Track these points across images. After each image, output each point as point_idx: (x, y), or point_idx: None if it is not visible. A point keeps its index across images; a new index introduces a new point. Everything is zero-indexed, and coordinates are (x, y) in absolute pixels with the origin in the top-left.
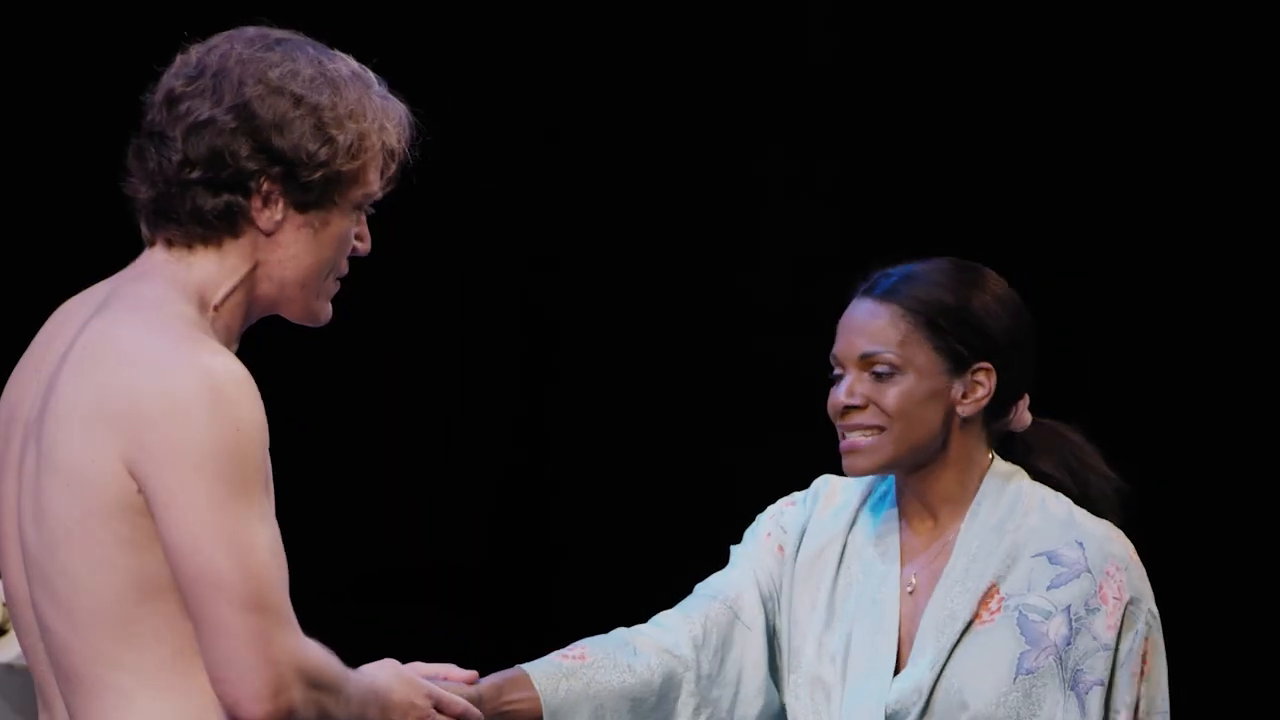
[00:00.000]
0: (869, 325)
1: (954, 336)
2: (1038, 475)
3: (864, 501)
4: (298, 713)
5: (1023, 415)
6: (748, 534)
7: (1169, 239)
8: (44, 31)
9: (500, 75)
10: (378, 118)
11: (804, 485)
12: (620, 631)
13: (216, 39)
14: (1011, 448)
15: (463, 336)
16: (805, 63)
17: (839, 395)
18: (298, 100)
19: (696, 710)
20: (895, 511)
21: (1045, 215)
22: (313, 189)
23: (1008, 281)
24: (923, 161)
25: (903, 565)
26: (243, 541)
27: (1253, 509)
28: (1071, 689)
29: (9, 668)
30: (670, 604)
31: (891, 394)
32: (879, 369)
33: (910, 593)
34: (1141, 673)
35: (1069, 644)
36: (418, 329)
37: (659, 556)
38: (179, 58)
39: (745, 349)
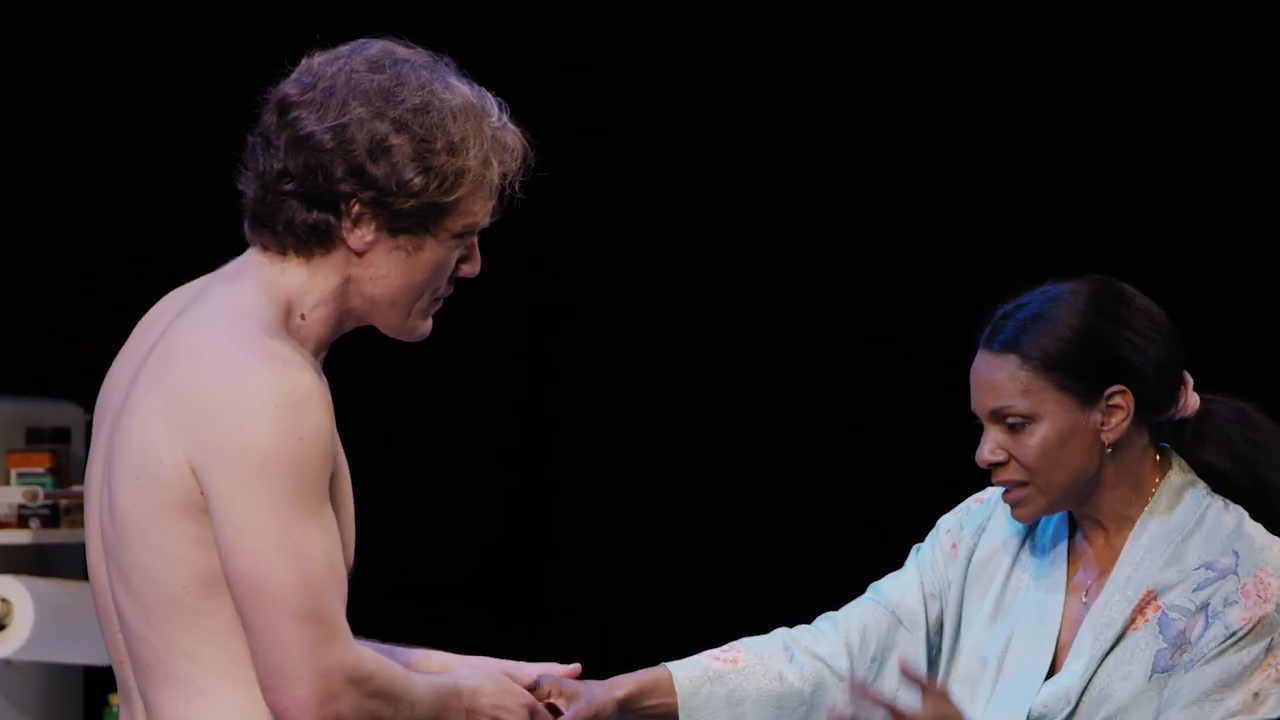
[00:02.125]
0: (992, 381)
1: (1077, 372)
2: (1205, 465)
3: None
4: None
5: (1189, 402)
6: (932, 532)
7: (1167, 233)
8: (159, 26)
9: (497, 68)
10: (483, 151)
11: (805, 476)
12: (781, 634)
13: (341, 49)
14: (1182, 437)
15: (461, 333)
16: (804, 57)
17: (983, 453)
18: (399, 127)
19: None
20: (1068, 521)
21: (1045, 206)
22: (405, 217)
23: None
24: (922, 154)
25: (1071, 573)
26: (300, 550)
27: None
28: (1186, 671)
29: (7, 663)
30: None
31: (1028, 446)
32: (1011, 421)
33: (1083, 600)
34: (1275, 675)
35: (1201, 638)
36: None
37: (660, 554)
38: (303, 62)
39: (745, 347)
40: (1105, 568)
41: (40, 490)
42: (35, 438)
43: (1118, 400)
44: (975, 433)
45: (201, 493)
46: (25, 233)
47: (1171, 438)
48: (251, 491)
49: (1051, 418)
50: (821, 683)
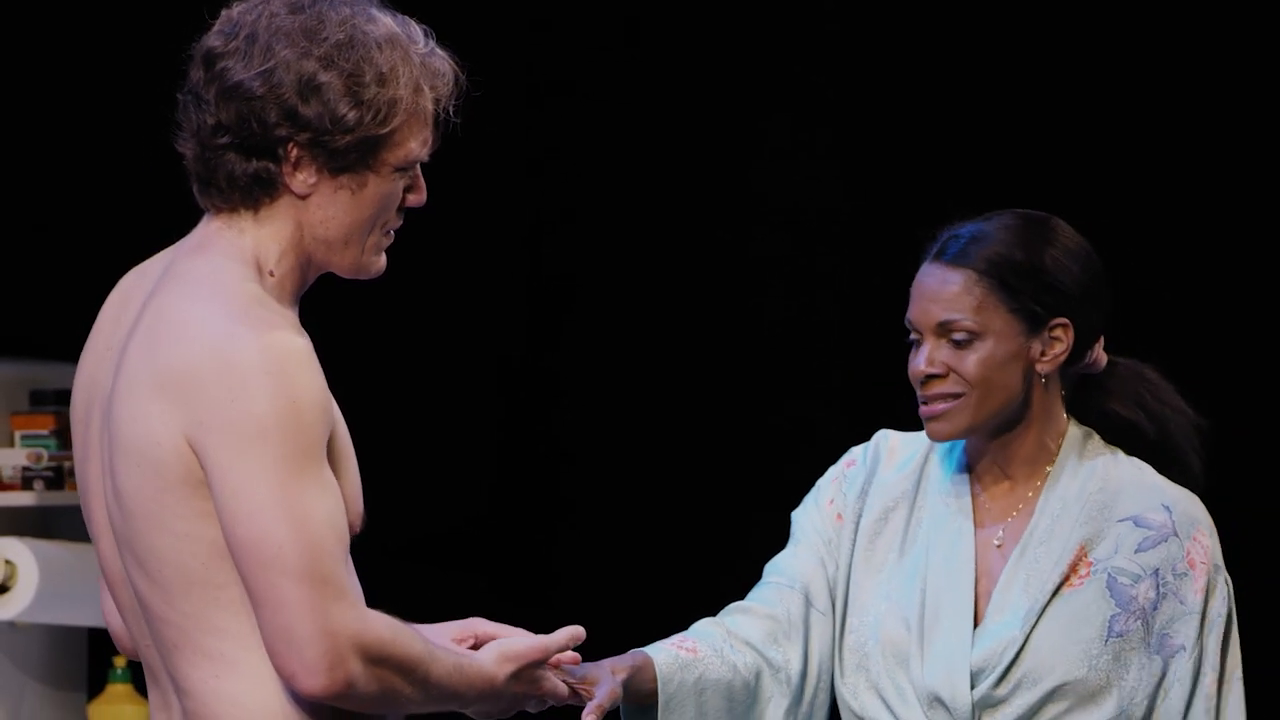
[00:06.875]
0: (943, 292)
1: (1029, 296)
2: (1114, 419)
3: (927, 458)
4: (358, 687)
5: (1098, 357)
6: (810, 499)
7: (1178, 197)
8: None
9: (501, 34)
10: (413, 79)
11: (809, 445)
12: (710, 627)
13: None
14: (1086, 391)
15: (464, 301)
16: (809, 25)
17: (919, 364)
18: (327, 64)
19: (789, 711)
20: (966, 468)
21: (1043, 165)
22: (343, 154)
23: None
24: (927, 120)
25: (977, 524)
26: (298, 511)
27: None
28: (1156, 653)
29: (11, 625)
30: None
31: (971, 361)
32: (957, 336)
33: (998, 547)
34: (1227, 636)
35: (1155, 608)
36: (419, 294)
37: (663, 521)
38: (223, 13)
39: (751, 310)
40: (1017, 517)
41: (44, 452)
42: (39, 400)
43: (1059, 333)
44: None
45: (202, 466)
46: (28, 195)
47: (1074, 389)
48: (247, 459)
49: (998, 337)
50: (760, 672)
